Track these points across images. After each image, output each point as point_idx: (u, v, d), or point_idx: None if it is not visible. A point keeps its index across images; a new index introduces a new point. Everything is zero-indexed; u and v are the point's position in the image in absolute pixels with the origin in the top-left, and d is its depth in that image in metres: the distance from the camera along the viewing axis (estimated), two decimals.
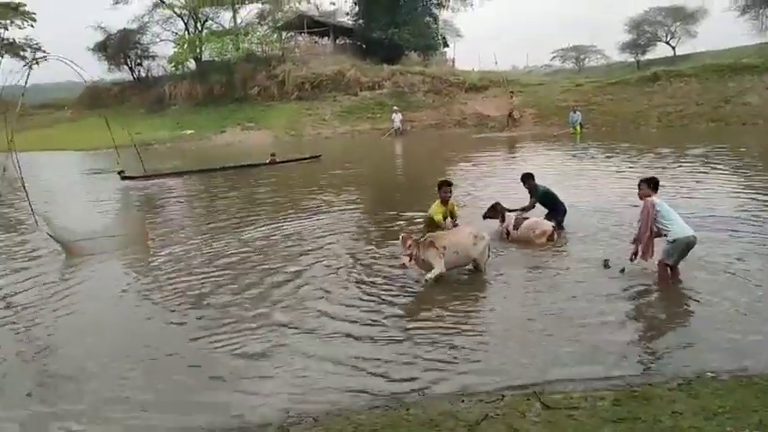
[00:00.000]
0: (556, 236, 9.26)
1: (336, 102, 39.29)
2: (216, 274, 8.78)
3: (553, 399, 4.67)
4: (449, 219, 9.26)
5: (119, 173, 20.25)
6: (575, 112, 30.39)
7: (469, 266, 8.05)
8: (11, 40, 58.77)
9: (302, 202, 14.38)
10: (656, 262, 7.27)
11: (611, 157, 20.12)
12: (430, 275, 7.57)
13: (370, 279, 8.13)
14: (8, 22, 57.36)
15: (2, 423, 5.04)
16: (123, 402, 5.17)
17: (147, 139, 36.78)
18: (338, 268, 8.60)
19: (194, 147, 34.65)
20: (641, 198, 7.52)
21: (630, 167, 16.90)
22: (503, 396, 4.82)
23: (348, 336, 6.28)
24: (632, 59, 57.30)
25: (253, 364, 5.78)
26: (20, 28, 58.36)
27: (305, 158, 23.50)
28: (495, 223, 9.94)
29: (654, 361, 5.40)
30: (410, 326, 6.56)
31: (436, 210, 9.13)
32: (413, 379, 5.30)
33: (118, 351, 6.17)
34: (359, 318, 6.75)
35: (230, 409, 5.00)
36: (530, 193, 10.13)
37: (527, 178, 10.27)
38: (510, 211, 9.84)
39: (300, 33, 47.56)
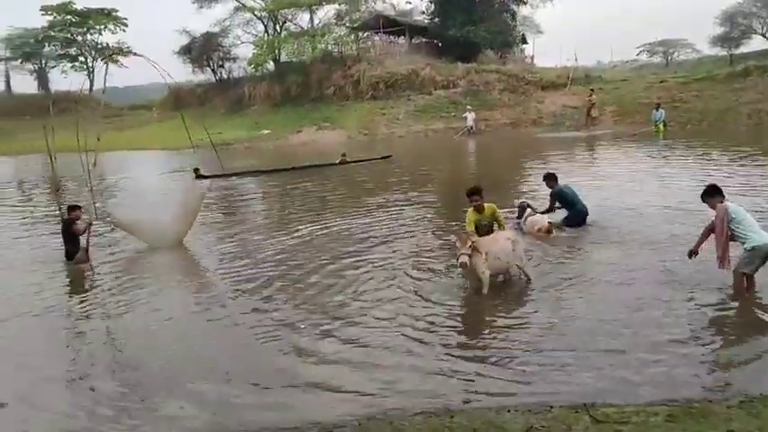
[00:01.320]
0: (554, 231, 10.09)
1: (410, 101, 39.19)
2: (278, 270, 8.98)
3: (603, 412, 4.43)
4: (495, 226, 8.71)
5: (194, 171, 20.90)
6: (657, 110, 29.02)
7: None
8: (104, 45, 62.00)
9: (370, 202, 14.42)
10: (733, 271, 6.84)
11: (692, 156, 19.13)
12: (485, 289, 7.41)
13: (429, 282, 8.05)
14: (102, 27, 60.51)
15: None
16: (196, 399, 5.30)
17: (226, 139, 37.89)
18: (399, 269, 8.58)
19: (271, 146, 35.38)
20: (712, 208, 7.07)
21: (714, 168, 15.98)
22: (551, 408, 4.61)
23: (398, 340, 6.21)
24: (725, 53, 54.36)
25: (304, 365, 5.80)
26: (112, 33, 61.57)
27: (376, 158, 23.48)
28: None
29: (716, 376, 5.05)
30: (461, 333, 6.45)
31: (468, 218, 8.59)
32: (459, 386, 5.17)
33: (187, 356, 6.30)
34: (410, 322, 6.67)
35: (278, 408, 5.03)
36: (550, 193, 10.74)
37: (548, 179, 10.81)
38: (535, 211, 10.56)
39: (376, 33, 47.76)
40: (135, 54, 50.64)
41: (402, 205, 13.68)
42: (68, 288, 9.06)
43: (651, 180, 14.63)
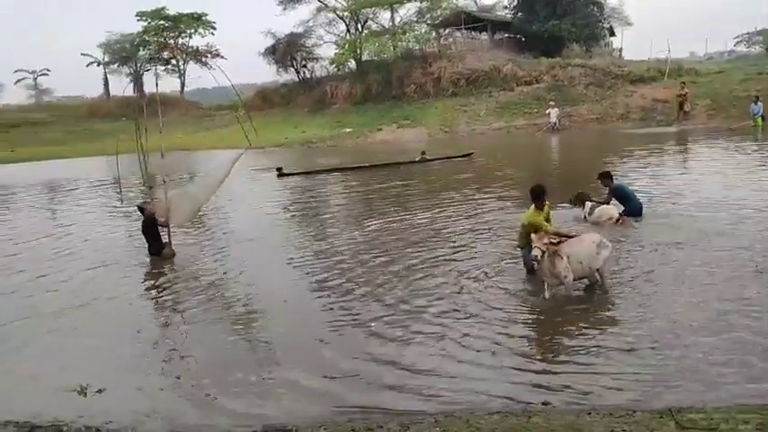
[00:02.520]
0: (621, 221, 10.56)
1: (491, 97, 38.66)
2: (355, 266, 9.13)
3: (690, 418, 4.22)
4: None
5: (276, 170, 21.38)
6: (756, 103, 27.39)
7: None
8: (194, 48, 64.45)
9: (449, 198, 14.35)
10: None
11: None
12: (547, 294, 7.22)
13: (508, 280, 7.93)
14: (192, 30, 62.91)
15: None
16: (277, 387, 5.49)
17: (309, 138, 38.67)
18: (478, 266, 8.49)
19: (352, 144, 35.77)
20: None
21: None
22: (633, 412, 4.43)
23: (476, 338, 6.15)
24: None
25: (381, 360, 5.84)
26: (202, 36, 63.86)
27: (456, 156, 23.25)
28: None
29: None
30: (539, 333, 6.33)
31: (530, 215, 8.04)
32: (538, 388, 5.06)
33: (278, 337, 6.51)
34: (488, 320, 6.61)
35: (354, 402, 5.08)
36: (607, 189, 11.24)
37: (603, 177, 11.39)
38: (591, 200, 11.13)
39: (458, 29, 47.42)
40: (207, 62, 52.57)
41: (482, 202, 13.55)
42: (159, 279, 9.46)
43: (748, 177, 13.86)
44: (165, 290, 8.89)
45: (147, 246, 10.50)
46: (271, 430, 4.73)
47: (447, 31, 48.35)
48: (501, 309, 6.96)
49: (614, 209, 10.85)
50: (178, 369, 6.08)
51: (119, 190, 11.03)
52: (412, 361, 5.74)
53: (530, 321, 6.66)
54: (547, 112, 33.50)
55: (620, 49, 49.52)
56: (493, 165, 21.14)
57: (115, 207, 17.02)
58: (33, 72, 68.02)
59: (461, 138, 33.68)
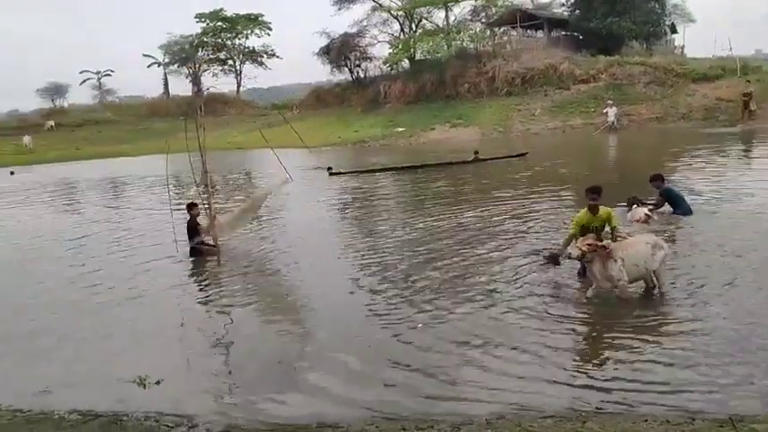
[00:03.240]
0: (650, 220, 10.60)
1: (547, 96, 38.04)
2: (409, 264, 9.14)
3: (752, 428, 4.05)
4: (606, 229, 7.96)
5: (327, 169, 21.51)
6: None
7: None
8: (251, 48, 65.63)
9: (501, 199, 14.19)
10: None
11: None
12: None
13: (562, 282, 7.81)
14: (249, 32, 64.05)
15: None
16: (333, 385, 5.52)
17: (362, 137, 38.86)
18: (531, 268, 8.39)
19: (404, 144, 35.78)
20: None
21: None
22: (692, 420, 4.29)
23: (530, 340, 6.08)
24: None
25: (433, 361, 5.82)
26: (258, 37, 64.98)
27: (510, 156, 22.91)
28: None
29: None
30: (594, 338, 6.20)
31: (579, 218, 7.85)
32: (593, 392, 4.98)
33: (334, 339, 6.57)
34: (542, 323, 6.53)
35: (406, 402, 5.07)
36: (659, 192, 11.24)
37: (654, 180, 11.34)
38: (643, 204, 11.09)
39: (513, 28, 46.83)
40: (262, 62, 53.03)
41: (535, 203, 13.35)
42: (209, 275, 9.74)
43: None
44: (214, 285, 9.15)
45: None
46: (324, 427, 4.77)
47: (502, 29, 47.77)
48: (550, 311, 6.85)
49: (642, 210, 10.85)
50: (230, 362, 6.25)
51: (167, 188, 11.36)
52: (459, 363, 5.70)
53: (581, 324, 6.51)
54: (604, 111, 32.74)
55: (683, 47, 48.02)
56: (548, 165, 20.79)
57: (167, 204, 17.44)
58: (98, 73, 70.30)
59: (516, 137, 33.27)
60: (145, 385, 5.61)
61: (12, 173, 33.37)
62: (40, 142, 47.10)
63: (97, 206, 19.07)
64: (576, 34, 45.39)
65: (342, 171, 22.34)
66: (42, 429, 4.86)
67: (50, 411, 5.22)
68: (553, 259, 7.88)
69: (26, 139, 46.54)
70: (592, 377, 5.26)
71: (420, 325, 6.68)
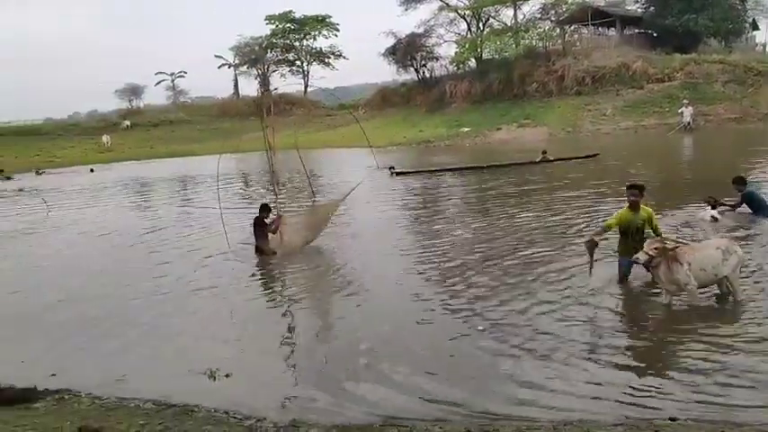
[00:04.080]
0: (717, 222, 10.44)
1: (619, 96, 36.95)
2: (470, 263, 9.00)
3: None
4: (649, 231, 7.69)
5: (389, 169, 21.46)
6: None
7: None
8: (318, 49, 66.47)
9: (568, 200, 13.84)
10: None
11: None
12: (664, 299, 6.80)
13: (629, 287, 7.60)
14: (317, 33, 64.90)
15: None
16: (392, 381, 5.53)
17: (427, 137, 38.74)
18: (594, 273, 8.10)
19: (470, 144, 35.48)
20: None
21: None
22: None
23: (597, 345, 5.94)
24: None
25: (497, 365, 5.73)
26: (325, 38, 65.76)
27: (580, 157, 22.22)
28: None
29: None
30: (664, 345, 5.97)
31: (619, 214, 7.70)
32: (665, 401, 4.81)
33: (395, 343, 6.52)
34: (610, 327, 6.42)
35: (470, 404, 4.98)
36: (740, 195, 11.06)
37: (736, 182, 11.17)
38: (721, 204, 10.95)
39: (584, 25, 45.74)
40: (329, 63, 53.41)
41: (602, 205, 12.97)
42: (275, 271, 10.00)
43: None
44: (278, 281, 9.43)
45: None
46: (387, 426, 4.73)
47: (572, 27, 46.71)
48: (616, 315, 6.70)
49: (709, 212, 10.75)
50: (295, 357, 6.31)
51: (217, 187, 11.64)
52: (522, 366, 5.59)
53: (650, 330, 6.31)
54: (680, 110, 31.53)
55: (764, 44, 45.77)
56: (619, 166, 20.15)
57: (236, 201, 17.85)
58: (171, 74, 72.61)
59: (585, 138, 32.43)
60: (215, 378, 5.72)
61: (92, 170, 34.96)
62: (117, 141, 49.07)
63: (167, 203, 19.78)
64: (650, 32, 43.93)
65: (404, 171, 22.33)
66: (119, 416, 4.99)
67: (126, 399, 5.38)
68: (590, 247, 7.59)
69: (105, 138, 48.62)
70: (661, 385, 5.07)
71: (480, 327, 6.60)
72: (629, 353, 5.74)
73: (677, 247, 6.81)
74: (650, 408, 4.71)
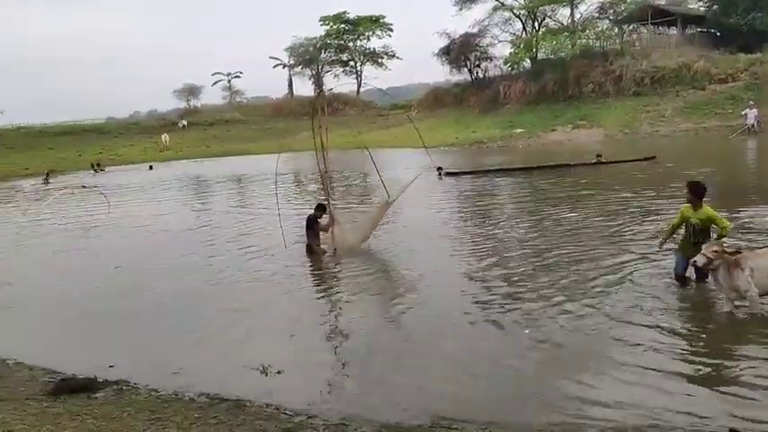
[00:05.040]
0: None
1: (679, 97, 35.88)
2: (523, 265, 8.93)
3: None
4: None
5: (437, 169, 21.32)
6: None
7: None
8: (371, 50, 66.78)
9: (627, 203, 13.49)
10: None
11: None
12: (725, 306, 6.53)
13: (681, 290, 7.37)
14: (370, 33, 65.22)
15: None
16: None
17: (480, 138, 38.46)
18: (652, 277, 7.95)
19: (523, 145, 35.04)
20: None
21: None
22: None
23: (653, 351, 5.78)
24: None
25: (558, 364, 5.68)
26: (379, 38, 66.02)
27: (636, 159, 21.63)
28: None
29: None
30: (722, 352, 5.80)
31: (681, 212, 7.59)
32: (726, 410, 4.67)
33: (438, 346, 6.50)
34: (668, 332, 6.21)
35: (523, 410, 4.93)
36: None
37: None
38: None
39: (643, 25, 44.61)
40: (382, 63, 53.26)
41: (657, 208, 12.65)
42: (319, 269, 10.15)
43: None
44: (329, 279, 9.53)
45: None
46: (438, 428, 4.72)
47: (631, 26, 45.62)
48: (673, 322, 6.50)
49: None
50: (346, 355, 6.36)
51: (275, 186, 11.81)
52: (570, 372, 5.47)
53: (705, 339, 6.10)
54: (743, 112, 30.36)
55: None
56: (677, 169, 19.51)
57: (289, 200, 18.08)
58: (228, 74, 73.98)
59: (643, 139, 31.59)
60: (267, 373, 5.80)
61: (150, 167, 36.06)
62: (175, 140, 50.38)
63: (222, 200, 20.25)
64: (713, 31, 42.55)
65: (453, 171, 22.23)
66: (174, 409, 5.12)
67: (181, 392, 5.51)
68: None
69: (164, 136, 50.02)
70: (722, 393, 4.93)
71: (527, 330, 6.50)
72: (685, 361, 5.56)
73: (739, 252, 6.54)
74: (706, 417, 4.58)
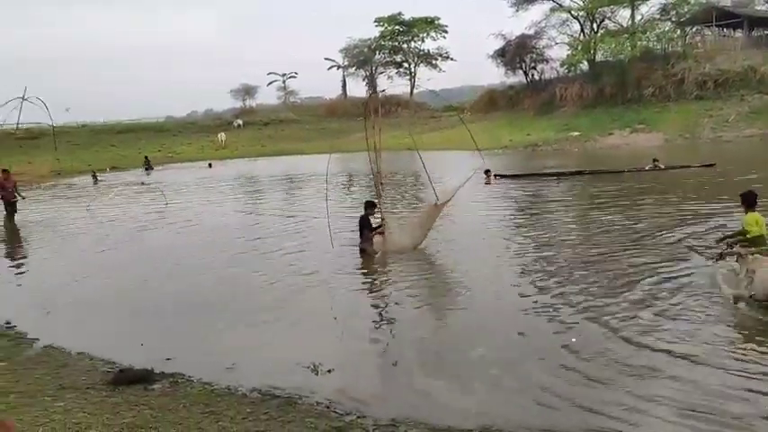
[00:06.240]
0: None
1: (744, 101, 34.73)
2: (579, 269, 8.78)
3: None
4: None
5: (485, 172, 21.07)
6: None
7: None
8: (426, 51, 66.76)
9: (686, 213, 12.99)
10: None
11: None
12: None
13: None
14: (424, 35, 65.23)
15: None
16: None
17: (533, 141, 37.98)
18: (699, 286, 7.68)
19: (578, 149, 34.45)
20: None
21: None
22: None
23: (716, 354, 5.64)
24: None
25: (609, 370, 5.52)
26: (433, 40, 65.96)
27: (694, 166, 20.89)
28: None
29: None
30: None
31: (747, 220, 7.73)
32: None
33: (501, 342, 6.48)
34: (727, 336, 6.12)
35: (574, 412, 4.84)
36: None
37: None
38: None
39: (707, 26, 43.29)
40: (436, 64, 53.03)
41: (710, 215, 12.26)
42: (370, 269, 10.17)
43: None
44: (379, 279, 9.49)
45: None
46: (486, 431, 4.67)
47: (694, 28, 44.39)
48: (729, 330, 6.30)
49: None
50: (396, 355, 6.31)
51: (326, 186, 11.86)
52: (623, 384, 5.31)
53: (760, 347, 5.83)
54: None
55: None
56: (739, 176, 18.77)
57: (341, 200, 18.21)
58: (283, 75, 75.18)
59: (704, 145, 30.67)
60: (318, 372, 5.84)
61: (209, 165, 36.95)
62: (230, 139, 51.43)
63: (275, 199, 20.56)
64: None
65: (503, 174, 22.07)
66: (227, 403, 5.21)
67: (234, 387, 5.60)
68: (721, 257, 7.59)
69: (221, 135, 51.17)
70: None
71: (573, 339, 6.36)
72: (743, 370, 5.33)
73: (753, 255, 6.60)
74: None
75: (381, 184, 11.48)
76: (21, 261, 12.66)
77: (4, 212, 17.24)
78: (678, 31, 43.66)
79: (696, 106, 36.26)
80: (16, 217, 17.15)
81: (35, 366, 6.24)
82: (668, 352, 5.76)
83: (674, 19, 43.56)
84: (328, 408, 5.14)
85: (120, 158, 43.01)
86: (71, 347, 6.90)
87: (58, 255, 12.95)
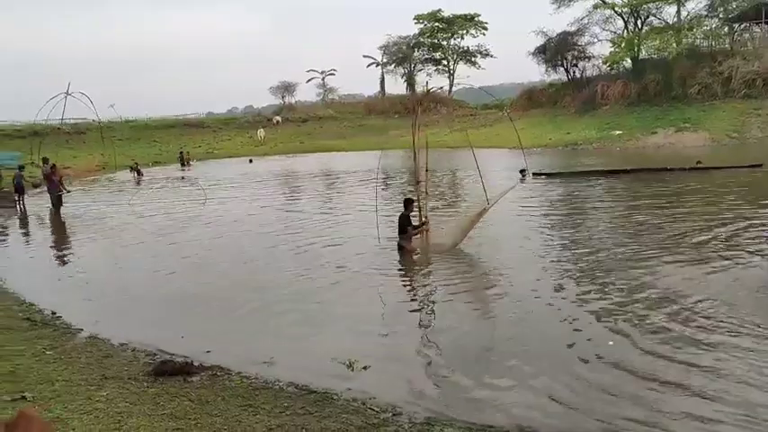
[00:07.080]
0: None
1: None
2: (606, 269, 8.62)
3: None
4: None
5: (520, 172, 20.80)
6: None
7: None
8: (465, 48, 66.33)
9: (728, 216, 12.63)
10: None
11: None
12: None
13: None
14: (464, 32, 64.81)
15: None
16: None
17: (574, 139, 37.39)
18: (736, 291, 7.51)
19: (620, 148, 33.80)
20: None
21: None
22: None
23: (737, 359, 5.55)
24: None
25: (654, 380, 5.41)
26: (473, 37, 65.49)
27: (741, 166, 20.31)
28: None
29: None
30: None
31: None
32: None
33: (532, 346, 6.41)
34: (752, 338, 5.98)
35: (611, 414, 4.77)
36: None
37: None
38: None
39: (756, 23, 42.03)
40: (476, 62, 52.56)
41: (750, 217, 11.96)
42: (408, 267, 10.21)
43: None
44: (418, 277, 9.59)
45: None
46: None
47: (743, 25, 43.13)
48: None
49: None
50: (432, 354, 6.33)
51: (376, 184, 11.81)
52: (659, 389, 5.22)
53: None
54: None
55: None
56: None
57: (380, 197, 18.18)
58: (322, 72, 75.40)
59: (752, 145, 29.81)
60: (353, 368, 5.86)
61: (250, 161, 37.47)
62: (269, 135, 51.91)
63: (314, 195, 20.69)
64: None
65: (540, 172, 21.87)
66: (264, 397, 5.26)
67: (271, 381, 5.65)
68: None
69: (260, 132, 51.70)
70: None
71: (611, 342, 6.28)
72: None
73: None
74: None
75: (422, 181, 11.43)
76: (66, 253, 13.00)
77: (51, 206, 17.81)
78: (726, 28, 42.50)
79: (744, 105, 35.26)
80: (62, 210, 17.70)
81: (79, 356, 6.40)
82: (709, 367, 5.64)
83: (721, 15, 42.40)
84: (364, 404, 5.15)
85: (162, 153, 43.77)
86: (114, 338, 7.06)
87: (102, 248, 13.25)
